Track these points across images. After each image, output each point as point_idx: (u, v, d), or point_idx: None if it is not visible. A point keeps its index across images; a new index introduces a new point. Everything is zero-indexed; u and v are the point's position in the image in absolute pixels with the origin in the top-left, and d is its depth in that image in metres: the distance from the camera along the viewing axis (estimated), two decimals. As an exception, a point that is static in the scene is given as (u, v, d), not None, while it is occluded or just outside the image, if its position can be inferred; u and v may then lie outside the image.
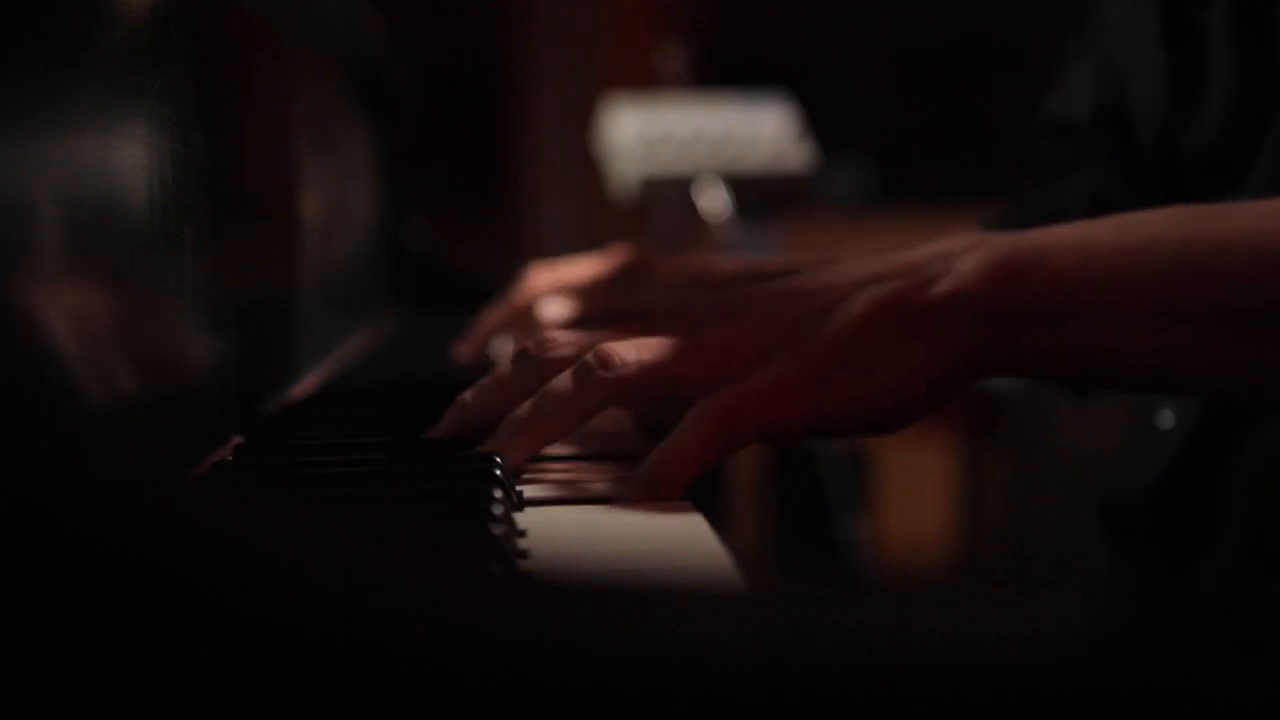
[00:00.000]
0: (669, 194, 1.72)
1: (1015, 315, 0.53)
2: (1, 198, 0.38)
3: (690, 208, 1.70)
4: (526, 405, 0.55)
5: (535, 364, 0.57)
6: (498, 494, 0.48)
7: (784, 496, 2.30)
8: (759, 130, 1.78)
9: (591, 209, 2.60)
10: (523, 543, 0.45)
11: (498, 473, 0.51)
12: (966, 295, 0.53)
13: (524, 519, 0.49)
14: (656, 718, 0.22)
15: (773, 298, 0.57)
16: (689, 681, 0.22)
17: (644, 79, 2.30)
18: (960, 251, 0.54)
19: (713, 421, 0.52)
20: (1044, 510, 2.16)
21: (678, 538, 0.48)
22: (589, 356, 0.54)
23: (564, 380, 0.54)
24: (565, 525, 0.49)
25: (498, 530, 0.43)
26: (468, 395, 0.58)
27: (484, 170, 3.07)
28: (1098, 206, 0.81)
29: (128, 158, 0.48)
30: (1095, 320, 0.53)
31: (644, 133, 1.74)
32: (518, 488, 0.53)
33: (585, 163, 2.14)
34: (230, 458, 0.56)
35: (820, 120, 1.90)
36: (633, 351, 0.54)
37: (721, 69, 2.46)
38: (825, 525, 2.02)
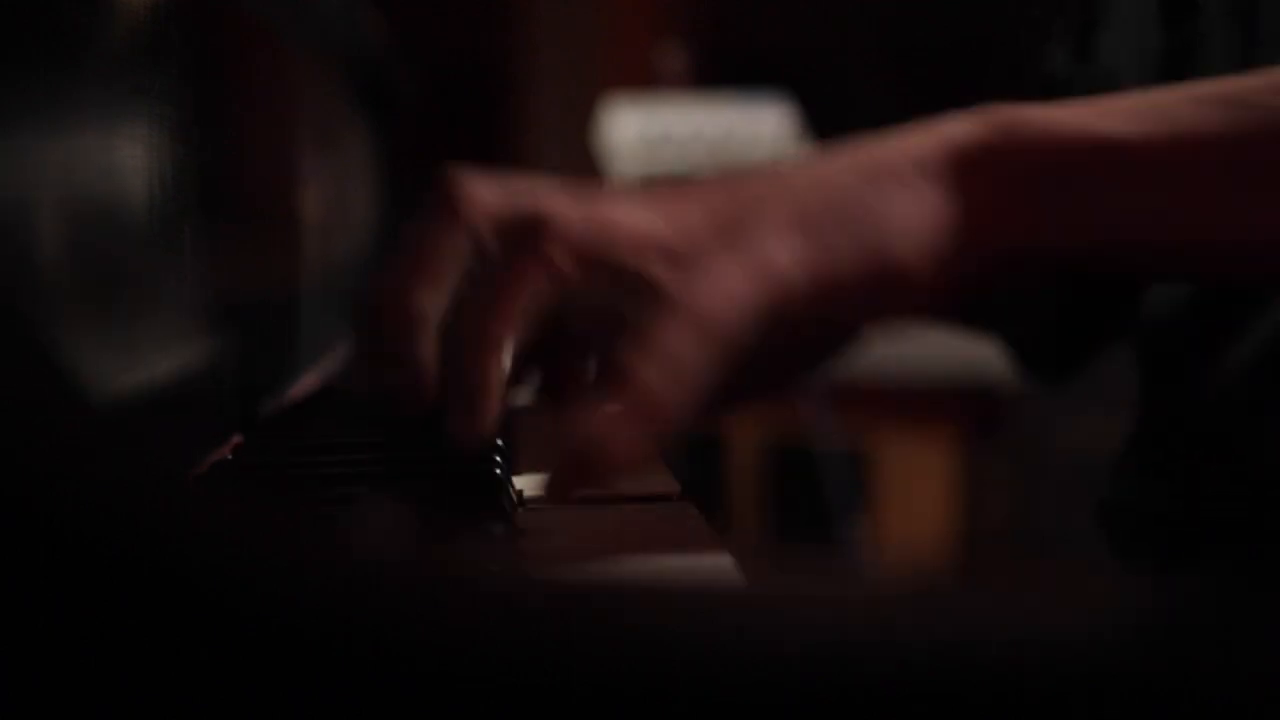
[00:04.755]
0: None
1: (1018, 181, 0.46)
2: (1, 197, 0.38)
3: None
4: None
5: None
6: (498, 494, 0.48)
7: (784, 496, 2.30)
8: (759, 130, 1.78)
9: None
10: (523, 542, 0.45)
11: (498, 472, 0.51)
12: (961, 145, 0.47)
13: (524, 518, 0.49)
14: (657, 717, 0.22)
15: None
16: (690, 681, 0.22)
17: (644, 79, 2.31)
18: (946, 122, 0.48)
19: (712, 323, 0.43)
20: (1044, 510, 2.16)
21: (678, 536, 0.48)
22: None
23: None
24: (565, 525, 0.49)
25: (497, 530, 0.43)
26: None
27: (484, 170, 3.07)
28: None
29: (128, 157, 0.48)
30: (1102, 178, 0.46)
31: (644, 133, 1.75)
32: (517, 487, 0.53)
33: (585, 163, 2.14)
34: (230, 457, 0.56)
35: (820, 120, 1.90)
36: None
37: (721, 69, 2.46)
38: (825, 525, 2.02)
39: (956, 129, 0.47)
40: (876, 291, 0.46)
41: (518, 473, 0.56)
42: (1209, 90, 0.47)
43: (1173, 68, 0.69)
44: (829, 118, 2.01)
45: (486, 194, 0.47)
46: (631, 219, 0.44)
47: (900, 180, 0.46)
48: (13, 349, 0.36)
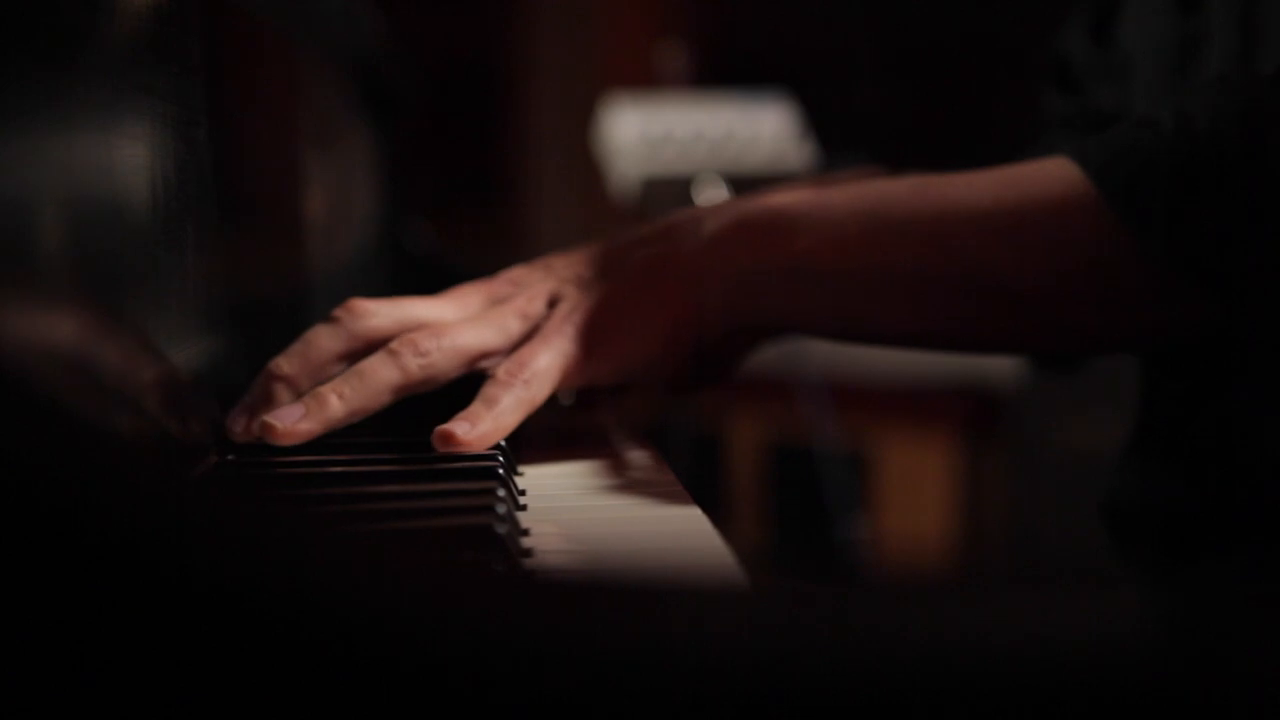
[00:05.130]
0: (669, 194, 1.72)
1: (754, 274, 0.59)
2: (4, 196, 0.38)
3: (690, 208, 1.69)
4: (339, 380, 0.57)
5: (345, 332, 0.60)
6: (501, 493, 0.48)
7: (784, 496, 2.30)
8: (759, 130, 1.78)
9: (591, 209, 2.60)
10: (526, 541, 0.45)
11: (500, 472, 0.51)
12: (708, 254, 0.59)
13: (526, 518, 0.49)
14: (660, 716, 0.22)
15: (560, 262, 0.63)
16: (693, 680, 0.22)
17: (644, 79, 2.30)
18: (707, 215, 0.60)
19: (519, 396, 0.57)
20: (1044, 510, 2.16)
21: (681, 536, 0.48)
22: (397, 344, 0.58)
23: (377, 363, 0.58)
24: (568, 524, 0.49)
25: (501, 529, 0.43)
26: (280, 361, 0.60)
27: (484, 170, 3.07)
28: None
29: (130, 156, 0.48)
30: (823, 281, 0.59)
31: (644, 133, 1.74)
32: (518, 486, 0.53)
33: (585, 163, 2.13)
34: (232, 457, 0.56)
35: (820, 120, 1.90)
36: (434, 339, 0.58)
37: (721, 69, 2.45)
38: (825, 525, 2.02)
39: (712, 226, 0.60)
40: (642, 372, 0.61)
41: (519, 472, 0.56)
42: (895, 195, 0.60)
43: (1183, 57, 0.69)
44: (829, 117, 2.01)
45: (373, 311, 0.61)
46: (473, 337, 0.59)
47: (666, 292, 0.60)
48: (15, 349, 0.36)
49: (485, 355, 0.60)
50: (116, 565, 0.23)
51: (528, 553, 0.44)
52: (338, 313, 0.61)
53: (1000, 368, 2.00)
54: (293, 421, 0.56)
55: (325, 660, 0.22)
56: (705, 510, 0.50)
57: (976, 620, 0.23)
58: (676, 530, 0.48)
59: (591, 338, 0.59)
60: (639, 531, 0.48)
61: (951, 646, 0.22)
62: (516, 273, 0.65)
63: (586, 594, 0.26)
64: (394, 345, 0.58)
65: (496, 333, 0.60)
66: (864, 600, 0.25)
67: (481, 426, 0.55)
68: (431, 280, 1.17)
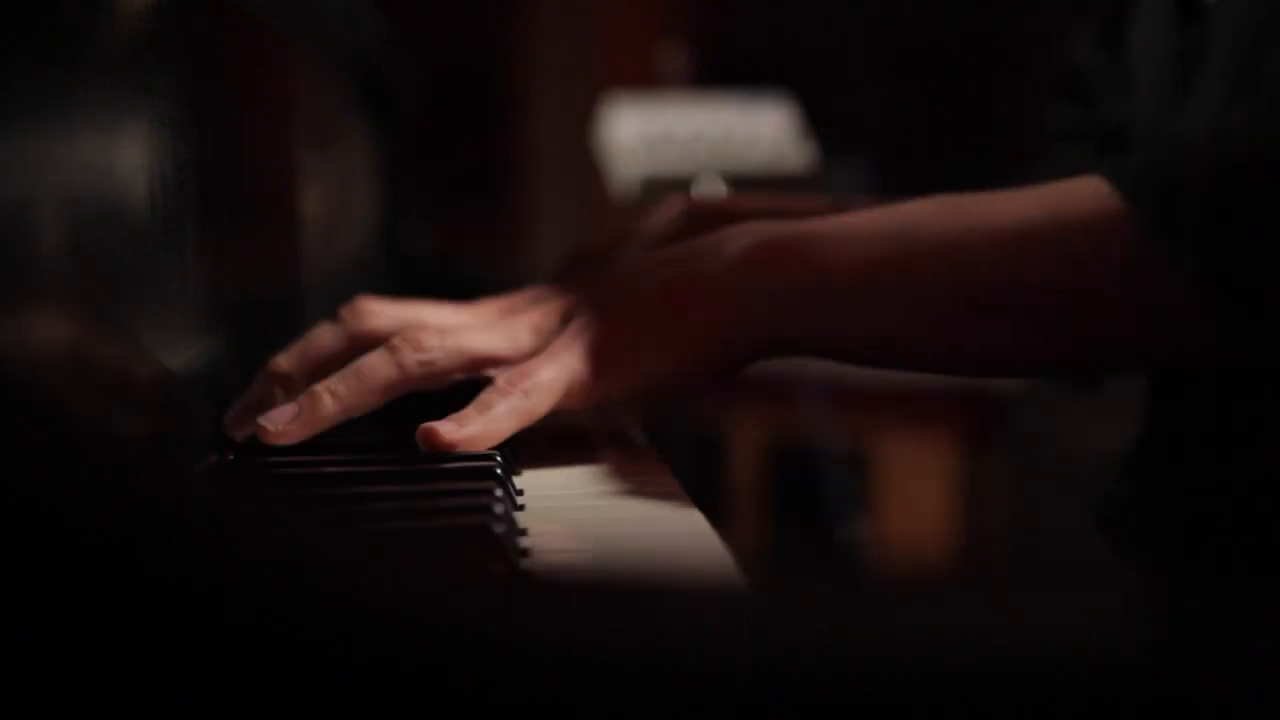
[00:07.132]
0: (669, 194, 1.72)
1: (780, 294, 0.58)
2: (3, 196, 0.38)
3: (691, 208, 1.69)
4: (334, 378, 0.57)
5: (345, 331, 0.61)
6: (498, 493, 0.48)
7: (784, 496, 2.30)
8: (759, 130, 1.78)
9: (591, 209, 2.60)
10: (524, 542, 0.45)
11: (498, 472, 0.51)
12: (730, 274, 0.58)
13: (524, 518, 0.49)
14: (660, 716, 0.22)
15: (581, 282, 0.62)
16: (693, 680, 0.22)
17: (644, 79, 2.30)
18: (730, 238, 0.60)
19: (516, 405, 0.56)
20: (1043, 512, 2.16)
21: (679, 536, 0.48)
22: (397, 340, 0.58)
23: (374, 359, 0.57)
24: (567, 524, 0.49)
25: (499, 530, 0.43)
26: (280, 359, 0.60)
27: (484, 170, 3.06)
28: None
29: (129, 156, 0.48)
30: (852, 302, 0.58)
31: (644, 133, 1.74)
32: (517, 486, 0.53)
33: (585, 163, 2.13)
34: (231, 457, 0.56)
35: (820, 120, 1.90)
36: (437, 337, 0.58)
37: (721, 69, 2.46)
38: (825, 525, 2.02)
39: (736, 248, 0.59)
40: (668, 382, 0.60)
41: (518, 472, 0.56)
42: (919, 212, 0.60)
43: (1183, 68, 0.69)
44: (829, 117, 2.01)
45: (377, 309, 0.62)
46: (479, 341, 0.59)
47: (690, 312, 0.59)
48: (14, 349, 0.36)
49: (491, 361, 0.59)
50: (116, 565, 0.23)
51: (526, 553, 0.44)
52: (343, 312, 0.61)
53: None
54: (284, 422, 0.56)
55: (325, 660, 0.22)
56: (705, 511, 0.50)
57: (976, 621, 0.23)
58: (676, 530, 0.48)
59: (602, 357, 0.58)
60: (639, 531, 0.48)
61: (951, 647, 0.22)
62: (535, 290, 0.64)
63: (585, 594, 0.26)
64: (394, 341, 0.58)
65: (505, 341, 0.59)
66: (864, 601, 0.25)
67: (469, 429, 0.55)
68: (431, 280, 1.17)
